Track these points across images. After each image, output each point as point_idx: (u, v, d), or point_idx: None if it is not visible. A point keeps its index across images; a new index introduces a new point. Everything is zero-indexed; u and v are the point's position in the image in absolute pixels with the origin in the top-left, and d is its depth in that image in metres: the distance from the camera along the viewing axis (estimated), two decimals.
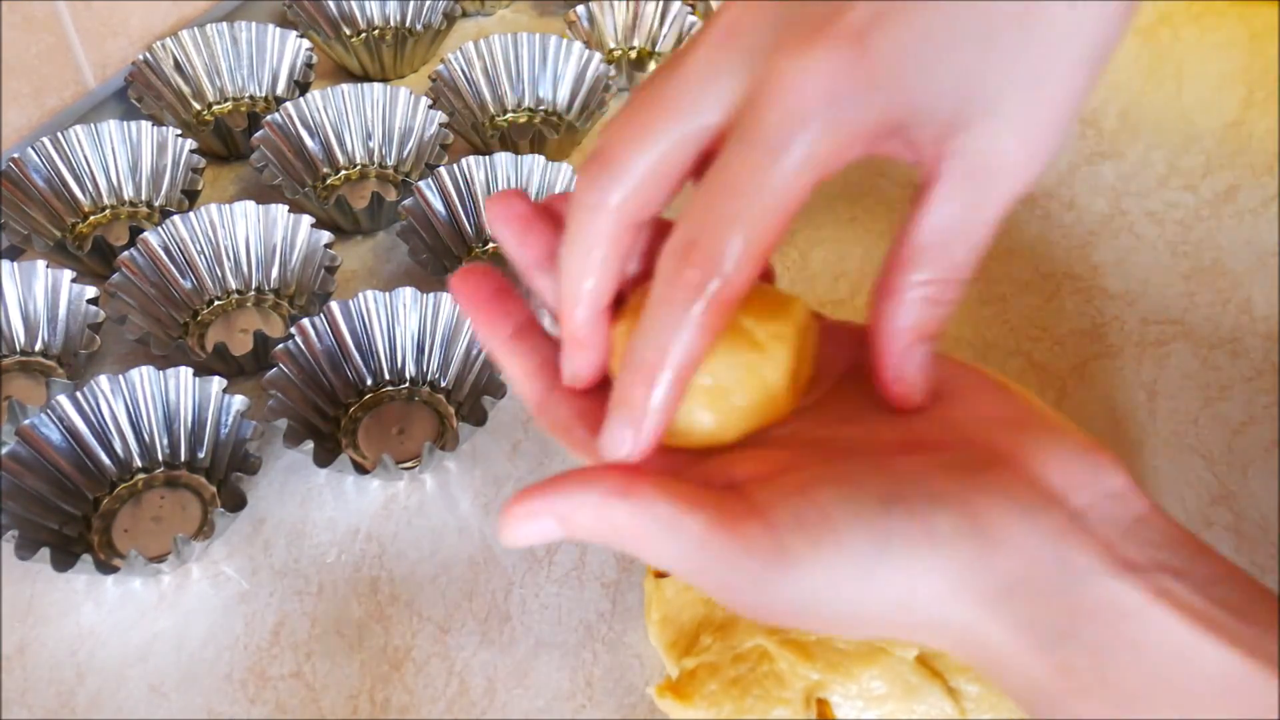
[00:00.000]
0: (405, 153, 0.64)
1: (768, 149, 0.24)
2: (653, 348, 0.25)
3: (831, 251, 0.61)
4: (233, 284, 0.57)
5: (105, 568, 0.44)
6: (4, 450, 0.46)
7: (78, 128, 0.60)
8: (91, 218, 0.61)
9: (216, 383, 0.49)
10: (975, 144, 0.25)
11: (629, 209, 0.26)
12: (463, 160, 0.59)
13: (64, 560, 0.43)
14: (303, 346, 0.51)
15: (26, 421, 0.47)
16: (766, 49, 0.24)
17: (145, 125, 0.61)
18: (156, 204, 0.62)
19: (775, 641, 0.39)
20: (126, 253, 0.54)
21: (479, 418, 0.48)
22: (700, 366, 0.25)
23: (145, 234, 0.55)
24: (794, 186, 0.25)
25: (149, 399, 0.49)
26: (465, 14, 0.77)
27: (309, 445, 0.47)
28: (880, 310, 0.27)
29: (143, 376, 0.49)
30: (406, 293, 0.52)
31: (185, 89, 0.68)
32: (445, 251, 0.59)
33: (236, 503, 0.46)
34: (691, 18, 0.71)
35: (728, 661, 0.40)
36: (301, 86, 0.66)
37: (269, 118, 0.61)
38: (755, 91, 0.24)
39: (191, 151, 0.60)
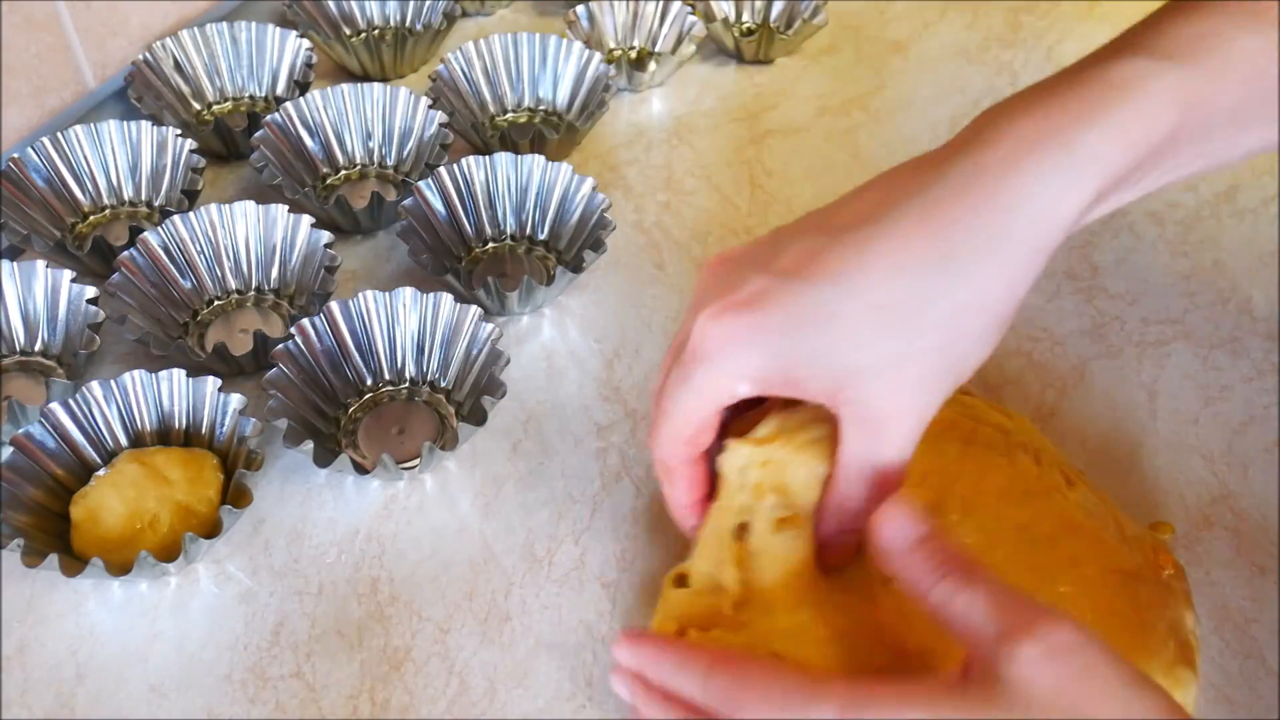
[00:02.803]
0: (405, 153, 0.64)
1: (681, 377, 0.35)
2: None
3: None
4: (233, 284, 0.57)
5: (115, 571, 0.44)
6: (3, 459, 0.46)
7: (78, 128, 0.60)
8: (91, 218, 0.61)
9: (211, 382, 0.49)
10: (858, 396, 0.33)
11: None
12: (463, 160, 0.59)
13: (73, 566, 0.44)
14: (303, 346, 0.51)
15: (20, 430, 0.47)
16: (697, 307, 0.35)
17: (145, 125, 0.61)
18: (156, 204, 0.62)
19: (791, 644, 0.39)
20: (126, 253, 0.54)
21: (479, 418, 0.48)
22: None
23: (145, 234, 0.55)
24: (698, 404, 0.35)
25: (143, 402, 0.49)
26: (465, 14, 0.77)
27: (309, 445, 0.47)
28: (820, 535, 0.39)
29: (134, 380, 0.49)
30: (406, 293, 0.52)
31: (185, 89, 0.68)
32: (445, 251, 0.59)
33: (243, 499, 0.46)
34: (691, 18, 0.71)
35: None
36: (301, 86, 0.66)
37: (269, 118, 0.61)
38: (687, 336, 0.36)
39: (191, 151, 0.60)
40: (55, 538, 0.46)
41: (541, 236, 0.61)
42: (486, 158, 0.59)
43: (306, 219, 0.56)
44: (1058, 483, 0.43)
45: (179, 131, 0.61)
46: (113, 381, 0.49)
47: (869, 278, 0.32)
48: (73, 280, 0.53)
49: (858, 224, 0.33)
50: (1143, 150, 0.32)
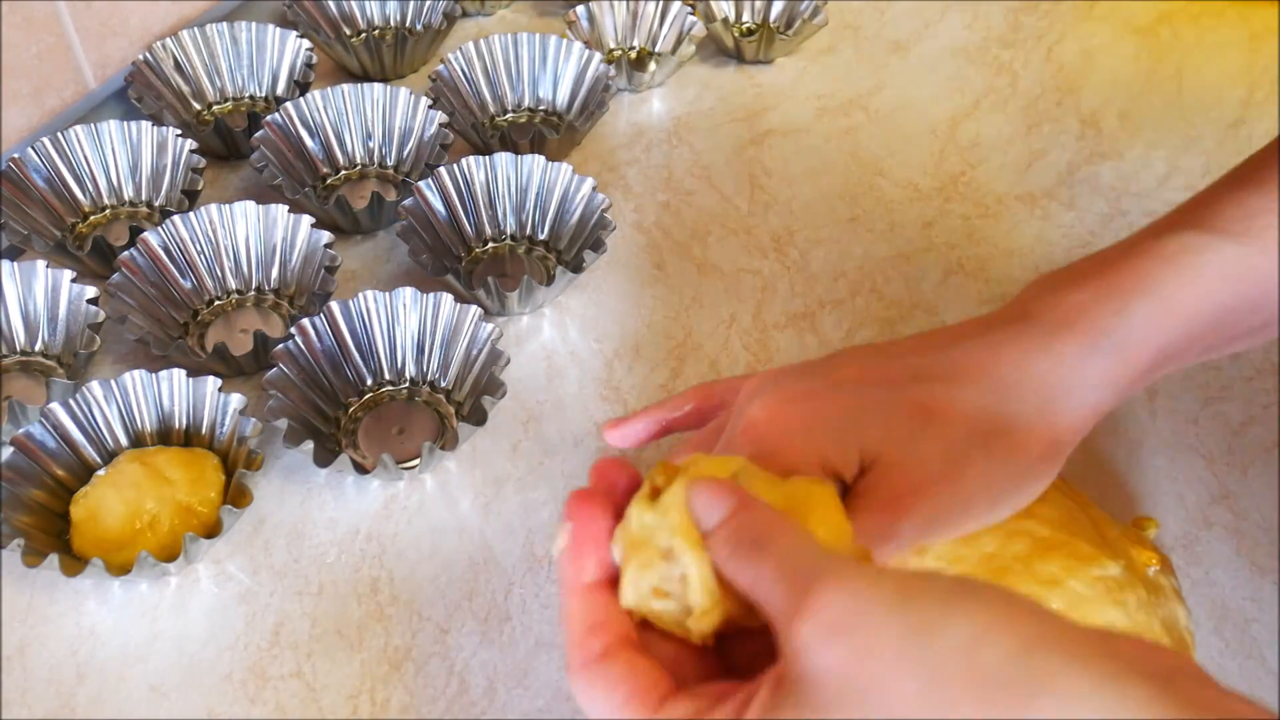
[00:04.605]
0: (405, 153, 0.64)
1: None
2: None
3: (831, 251, 0.61)
4: (233, 284, 0.57)
5: (116, 571, 0.44)
6: (3, 459, 0.46)
7: (78, 128, 0.60)
8: (91, 218, 0.61)
9: (211, 382, 0.49)
10: (875, 481, 0.32)
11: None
12: (463, 160, 0.59)
13: (73, 566, 0.44)
14: (303, 346, 0.51)
15: (20, 430, 0.47)
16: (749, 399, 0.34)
17: (145, 125, 0.61)
18: (156, 204, 0.62)
19: None
20: (126, 253, 0.54)
21: (479, 418, 0.48)
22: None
23: (145, 234, 0.55)
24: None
25: (143, 402, 0.49)
26: (465, 14, 0.77)
27: (309, 445, 0.47)
28: None
29: (134, 380, 0.49)
30: (406, 293, 0.52)
31: (185, 89, 0.68)
32: (445, 251, 0.59)
33: (243, 499, 0.46)
34: (691, 18, 0.71)
35: None
36: (301, 86, 0.66)
37: (269, 118, 0.61)
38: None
39: (191, 151, 0.60)
40: (55, 538, 0.46)
41: (541, 236, 0.61)
42: (486, 158, 0.59)
43: (306, 219, 0.56)
44: None
45: (179, 131, 0.61)
46: (113, 381, 0.49)
47: (922, 386, 0.32)
48: (73, 280, 0.53)
49: (917, 352, 0.33)
50: (1195, 323, 0.33)
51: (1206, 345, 0.34)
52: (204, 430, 0.50)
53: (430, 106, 0.63)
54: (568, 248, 0.59)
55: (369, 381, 0.54)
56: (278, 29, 0.68)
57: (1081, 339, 0.32)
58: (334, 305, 0.52)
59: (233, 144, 0.65)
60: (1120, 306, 0.32)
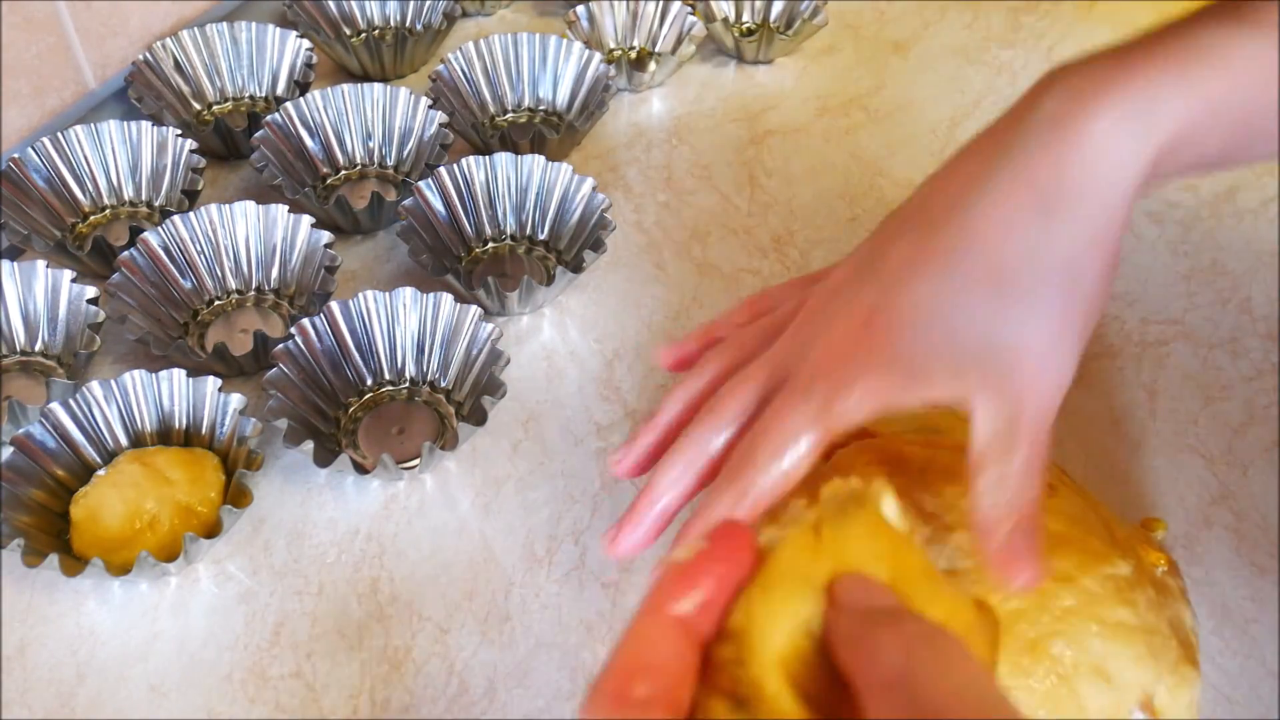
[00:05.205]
0: (405, 153, 0.64)
1: (796, 409, 0.34)
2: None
3: (831, 251, 0.61)
4: (233, 284, 0.58)
5: (116, 571, 0.44)
6: (3, 459, 0.46)
7: (78, 128, 0.60)
8: (91, 218, 0.61)
9: (211, 382, 0.49)
10: (990, 372, 0.32)
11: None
12: (463, 160, 0.59)
13: (73, 566, 0.44)
14: (303, 346, 0.51)
15: (20, 430, 0.47)
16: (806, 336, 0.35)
17: (145, 125, 0.61)
18: (156, 204, 0.62)
19: None
20: (126, 253, 0.54)
21: (479, 418, 0.48)
22: None
23: (145, 234, 0.55)
24: (819, 438, 0.33)
25: (143, 402, 0.49)
26: (465, 14, 0.77)
27: (309, 445, 0.47)
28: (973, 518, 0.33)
29: (134, 380, 0.49)
30: (406, 293, 0.52)
31: (185, 89, 0.68)
32: (445, 251, 0.59)
33: (243, 499, 0.46)
34: (691, 18, 0.71)
35: None
36: (301, 86, 0.66)
37: (269, 118, 0.61)
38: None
39: (191, 151, 0.60)
40: (55, 538, 0.46)
41: (541, 236, 0.61)
42: (486, 158, 0.59)
43: (306, 219, 0.56)
44: None
45: (179, 131, 0.61)
46: (113, 381, 0.49)
47: (980, 248, 0.31)
48: (73, 280, 0.53)
49: (953, 207, 0.32)
50: (1220, 115, 0.32)
51: (1221, 148, 0.33)
52: (204, 430, 0.50)
53: (430, 106, 0.63)
54: (568, 248, 0.59)
55: (369, 381, 0.54)
56: (278, 29, 0.68)
57: (1110, 114, 0.31)
58: (334, 305, 0.52)
59: (233, 144, 0.65)
60: (1149, 79, 0.32)
